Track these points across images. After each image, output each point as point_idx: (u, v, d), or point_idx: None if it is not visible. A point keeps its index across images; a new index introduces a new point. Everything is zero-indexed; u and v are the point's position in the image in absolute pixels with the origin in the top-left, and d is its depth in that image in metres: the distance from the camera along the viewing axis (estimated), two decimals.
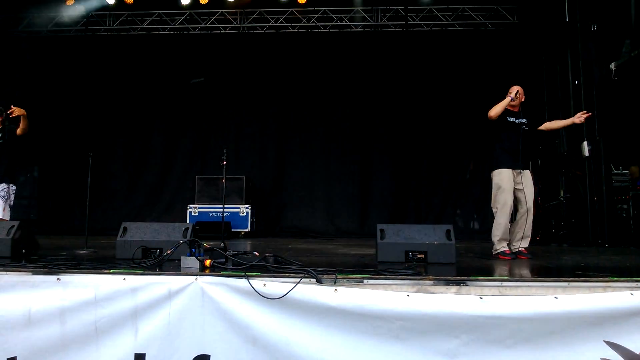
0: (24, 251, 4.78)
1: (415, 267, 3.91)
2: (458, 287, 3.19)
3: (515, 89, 5.54)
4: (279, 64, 11.67)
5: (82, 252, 5.50)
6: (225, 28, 11.86)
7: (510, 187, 5.39)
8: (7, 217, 6.01)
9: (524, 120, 5.57)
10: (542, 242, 8.95)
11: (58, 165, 11.56)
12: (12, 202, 6.15)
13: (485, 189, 10.95)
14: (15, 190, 6.19)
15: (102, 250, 5.82)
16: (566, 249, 7.64)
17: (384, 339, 3.11)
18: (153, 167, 11.79)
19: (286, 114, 11.66)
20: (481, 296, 3.10)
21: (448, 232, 4.50)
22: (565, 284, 3.20)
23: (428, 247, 4.41)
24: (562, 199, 9.37)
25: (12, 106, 6.00)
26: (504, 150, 5.49)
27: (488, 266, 4.54)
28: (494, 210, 5.48)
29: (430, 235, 4.50)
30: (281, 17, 11.61)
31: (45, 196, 11.75)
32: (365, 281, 3.27)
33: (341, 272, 3.36)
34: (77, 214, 11.40)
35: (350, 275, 3.32)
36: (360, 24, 11.58)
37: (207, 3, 11.19)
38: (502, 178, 5.41)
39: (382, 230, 4.57)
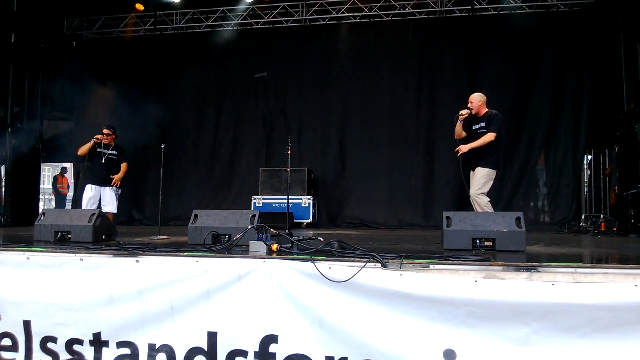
0: (104, 237, 5.10)
1: (483, 254, 3.82)
2: (529, 273, 3.09)
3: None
4: (341, 54, 11.66)
5: (156, 238, 5.78)
6: (287, 21, 11.98)
7: None
8: (115, 211, 8.00)
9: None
10: (619, 233, 8.48)
11: (132, 158, 12.10)
12: None
13: (558, 179, 10.55)
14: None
15: (174, 237, 6.09)
16: None
17: (451, 324, 3.07)
18: (220, 160, 12.13)
19: (348, 105, 11.62)
20: (553, 282, 2.99)
21: (518, 219, 4.33)
22: None
23: (496, 235, 4.27)
24: None
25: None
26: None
27: (560, 254, 4.37)
28: (478, 193, 6.47)
29: (498, 223, 4.35)
30: (342, 8, 11.58)
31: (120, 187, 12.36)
32: (431, 266, 3.23)
33: (407, 257, 3.33)
34: (149, 204, 11.99)
35: (416, 261, 3.29)
36: (424, 11, 11.35)
37: None
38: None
39: (448, 218, 4.48)
